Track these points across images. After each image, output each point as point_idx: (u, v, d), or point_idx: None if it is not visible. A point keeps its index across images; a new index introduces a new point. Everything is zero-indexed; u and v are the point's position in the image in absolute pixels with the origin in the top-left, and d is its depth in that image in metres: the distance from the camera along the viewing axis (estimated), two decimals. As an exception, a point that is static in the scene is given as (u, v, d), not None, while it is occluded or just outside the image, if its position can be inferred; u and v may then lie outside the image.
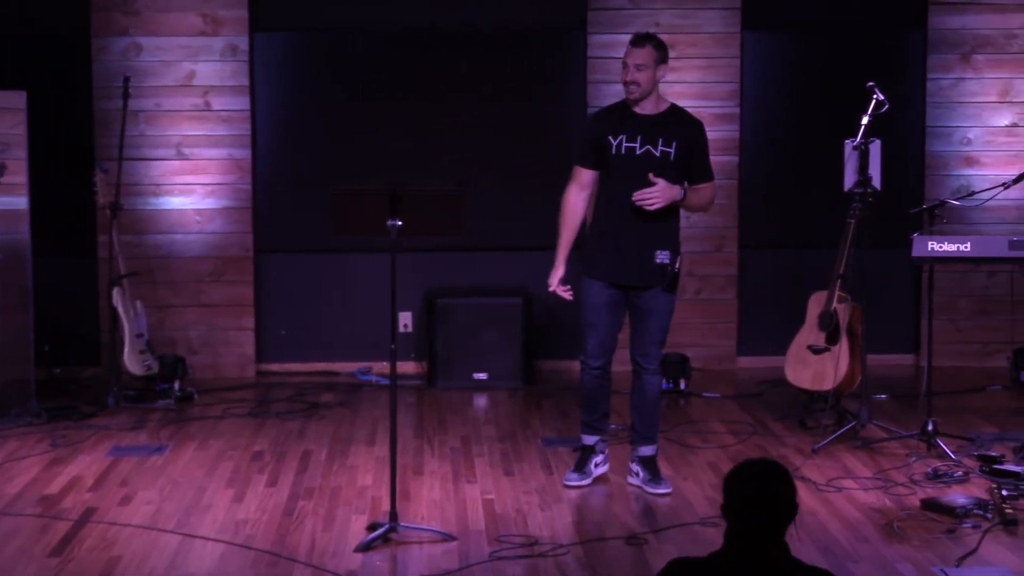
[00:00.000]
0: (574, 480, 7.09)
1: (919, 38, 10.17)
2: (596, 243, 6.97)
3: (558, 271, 7.05)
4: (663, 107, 6.92)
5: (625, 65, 6.84)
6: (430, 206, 6.32)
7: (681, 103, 9.83)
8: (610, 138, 6.88)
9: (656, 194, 6.74)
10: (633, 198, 6.75)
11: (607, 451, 7.24)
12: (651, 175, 6.76)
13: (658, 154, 6.81)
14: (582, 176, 7.01)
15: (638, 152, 6.83)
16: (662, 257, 6.82)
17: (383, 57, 10.00)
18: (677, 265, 6.86)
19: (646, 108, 6.88)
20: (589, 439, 7.17)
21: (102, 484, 7.13)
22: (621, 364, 7.33)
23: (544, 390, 9.50)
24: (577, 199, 7.04)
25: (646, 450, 7.08)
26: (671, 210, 6.85)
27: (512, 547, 6.07)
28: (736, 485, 3.67)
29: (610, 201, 6.90)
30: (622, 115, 6.93)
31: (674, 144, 6.81)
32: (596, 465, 7.17)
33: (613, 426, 8.23)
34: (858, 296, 8.10)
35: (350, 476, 7.30)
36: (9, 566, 5.86)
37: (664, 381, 9.27)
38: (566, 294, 7.03)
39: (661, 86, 6.94)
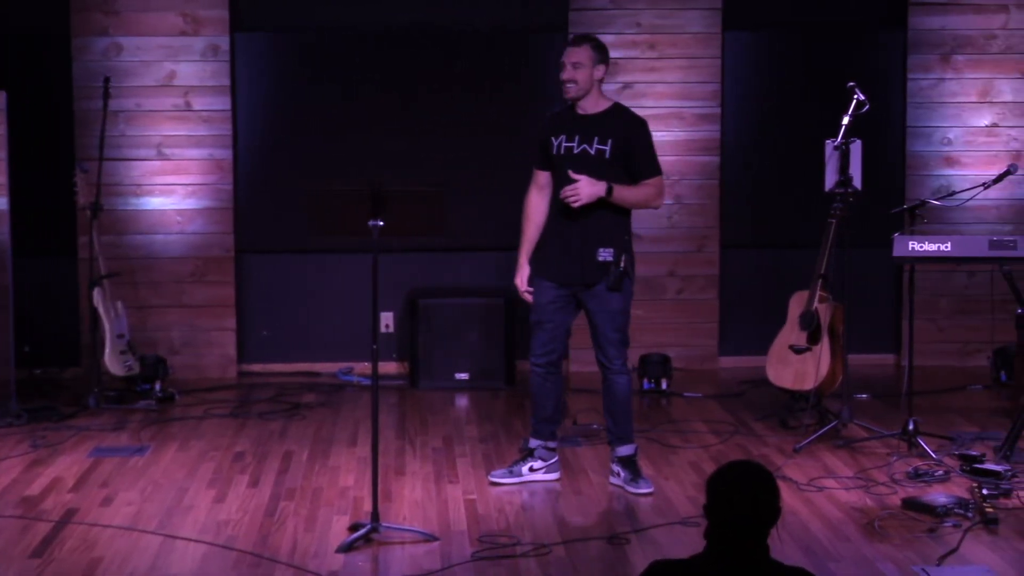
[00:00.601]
0: (496, 476, 7.14)
1: (899, 38, 10.19)
2: (545, 243, 7.07)
3: (522, 271, 7.14)
4: (603, 106, 6.96)
5: (563, 64, 6.91)
6: (411, 206, 6.31)
7: (662, 103, 9.98)
8: (552, 138, 6.97)
9: (576, 190, 6.78)
10: (560, 195, 6.84)
11: (553, 461, 7.19)
12: (571, 172, 6.82)
13: (593, 152, 6.86)
14: (538, 177, 7.12)
15: (575, 151, 6.89)
16: (604, 255, 6.84)
17: (364, 57, 9.99)
18: (623, 263, 6.85)
19: (587, 107, 6.94)
20: (532, 442, 7.20)
21: (83, 485, 7.11)
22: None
23: (526, 390, 9.42)
24: (535, 200, 7.14)
25: (623, 450, 7.08)
26: (614, 208, 6.86)
27: (494, 547, 6.07)
28: (719, 487, 3.67)
29: (555, 201, 6.97)
30: (565, 116, 7.02)
31: (609, 142, 6.85)
32: (531, 470, 7.13)
33: (595, 426, 8.25)
34: (839, 296, 8.12)
35: (332, 476, 7.29)
36: (-11, 567, 5.85)
37: (646, 381, 9.33)
38: (527, 295, 7.08)
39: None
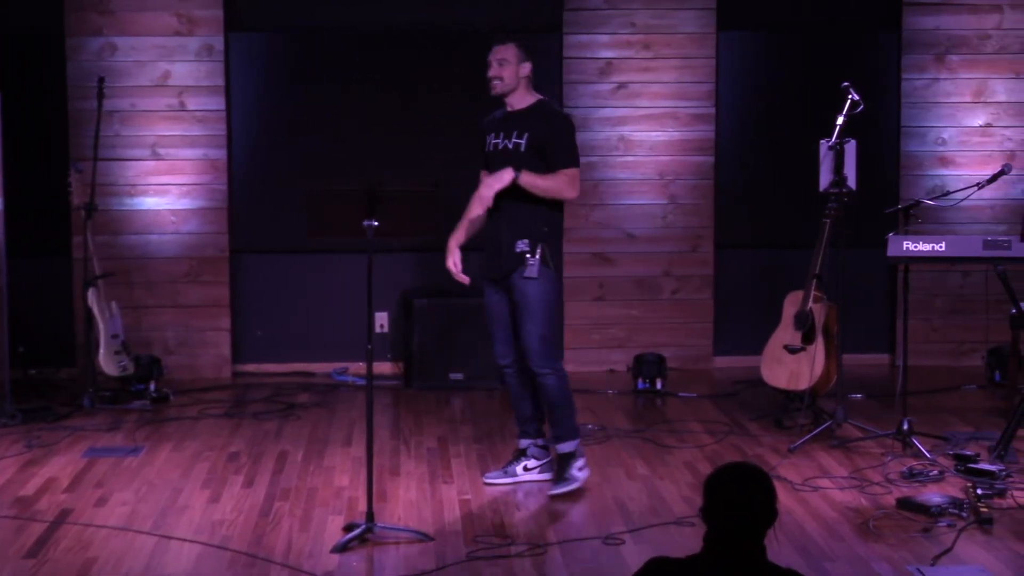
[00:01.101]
0: (490, 477, 7.17)
1: (894, 38, 10.20)
2: (483, 244, 7.14)
3: (451, 254, 7.14)
4: (528, 102, 7.04)
5: (489, 62, 7.01)
6: (405, 206, 6.31)
7: (657, 103, 9.99)
8: (488, 138, 7.09)
9: (484, 183, 6.95)
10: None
11: (547, 460, 7.18)
12: (484, 171, 7.00)
13: (511, 147, 6.95)
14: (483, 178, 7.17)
15: (500, 147, 7.01)
16: (521, 246, 6.86)
17: (360, 57, 9.99)
18: (538, 254, 6.84)
19: (514, 104, 7.04)
20: (521, 442, 7.22)
21: (78, 485, 7.11)
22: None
23: (521, 390, 9.49)
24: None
25: (563, 447, 7.05)
26: (530, 198, 6.89)
27: (489, 547, 6.07)
28: (716, 489, 3.67)
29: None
30: (499, 116, 7.13)
31: (525, 136, 6.93)
32: (526, 469, 7.14)
33: (590, 426, 8.25)
34: (834, 296, 8.12)
35: (327, 477, 7.29)
36: (-16, 568, 5.84)
37: (641, 381, 9.34)
38: (462, 277, 7.09)
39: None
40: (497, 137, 7.03)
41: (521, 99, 7.02)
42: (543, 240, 6.89)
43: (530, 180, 6.84)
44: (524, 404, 7.18)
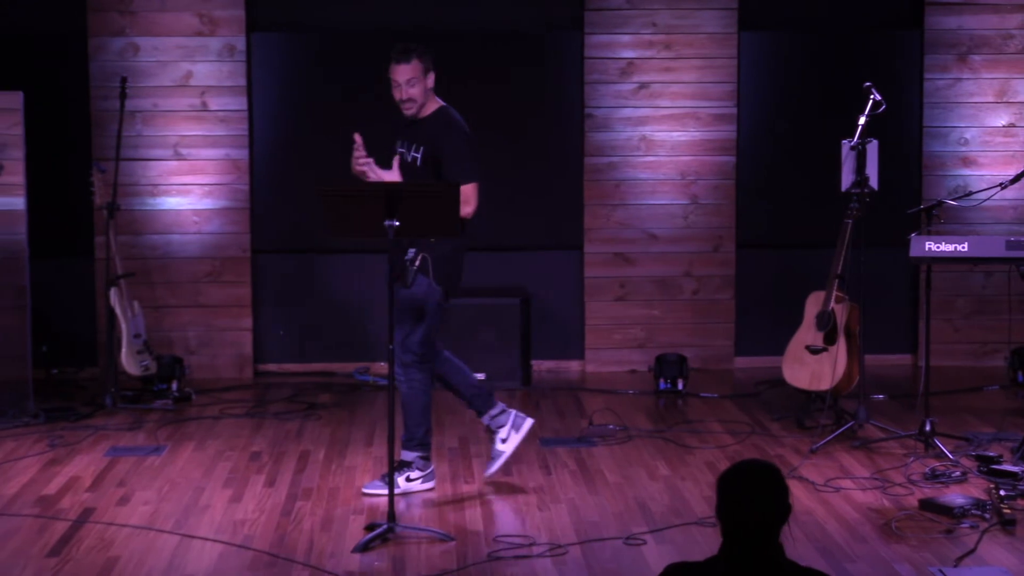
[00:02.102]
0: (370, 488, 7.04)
1: (916, 38, 10.17)
2: None
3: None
4: (430, 110, 6.92)
5: (395, 83, 6.83)
6: (425, 205, 6.31)
7: (678, 103, 10.00)
8: (396, 140, 7.01)
9: (376, 173, 6.88)
10: None
11: (431, 471, 7.11)
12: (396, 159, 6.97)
13: (410, 159, 6.91)
14: None
15: (405, 158, 6.93)
16: (410, 254, 6.62)
17: (380, 57, 9.96)
18: (418, 262, 6.60)
19: (418, 112, 6.91)
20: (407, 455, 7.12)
21: (100, 484, 7.13)
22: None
23: (542, 391, 9.51)
24: None
25: (404, 453, 7.00)
26: None
27: (510, 547, 6.07)
28: (727, 488, 3.67)
29: None
30: (403, 120, 6.98)
31: (421, 150, 6.85)
32: (408, 480, 6.99)
33: (611, 427, 8.25)
34: (856, 296, 8.11)
35: (348, 476, 7.30)
36: (7, 567, 5.85)
37: (662, 381, 9.34)
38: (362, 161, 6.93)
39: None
40: (403, 146, 6.95)
41: (425, 108, 6.90)
42: (427, 251, 6.73)
43: None
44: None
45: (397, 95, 6.86)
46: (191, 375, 9.60)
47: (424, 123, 6.90)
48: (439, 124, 6.89)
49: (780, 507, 3.63)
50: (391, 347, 6.32)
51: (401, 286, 6.59)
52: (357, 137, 6.91)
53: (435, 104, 6.94)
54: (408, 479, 6.96)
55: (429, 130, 6.87)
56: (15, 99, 8.65)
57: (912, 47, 10.21)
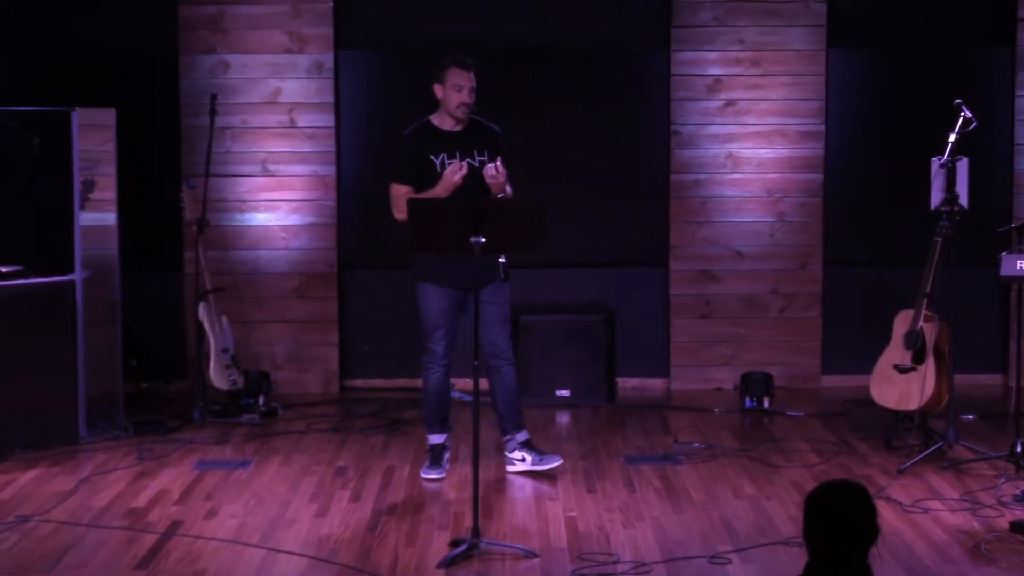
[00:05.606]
0: (432, 473, 7.58)
1: (1007, 54, 10.06)
2: None
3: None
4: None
5: (461, 88, 7.36)
6: (513, 222, 6.32)
7: (766, 120, 9.98)
8: (431, 157, 7.42)
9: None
10: None
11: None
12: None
13: (477, 164, 7.40)
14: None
15: (474, 165, 7.39)
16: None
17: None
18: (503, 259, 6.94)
19: (453, 125, 7.50)
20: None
21: (188, 498, 7.19)
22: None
23: (628, 408, 9.49)
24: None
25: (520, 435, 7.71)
26: None
27: (594, 564, 6.06)
28: (814, 508, 3.65)
29: None
30: (435, 133, 7.46)
31: (486, 152, 7.44)
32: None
33: (696, 444, 8.21)
34: (945, 315, 8.03)
35: (433, 492, 7.32)
36: (96, 578, 5.93)
37: (748, 399, 9.31)
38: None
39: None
40: (457, 155, 7.39)
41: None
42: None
43: None
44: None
45: (461, 99, 7.38)
46: (278, 390, 9.67)
47: (471, 129, 7.44)
48: (485, 127, 7.50)
49: (868, 528, 3.60)
50: (476, 363, 6.34)
51: (503, 280, 6.94)
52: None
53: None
54: (524, 459, 7.63)
55: (480, 134, 7.45)
56: (108, 116, 8.77)
57: (1003, 63, 10.10)
